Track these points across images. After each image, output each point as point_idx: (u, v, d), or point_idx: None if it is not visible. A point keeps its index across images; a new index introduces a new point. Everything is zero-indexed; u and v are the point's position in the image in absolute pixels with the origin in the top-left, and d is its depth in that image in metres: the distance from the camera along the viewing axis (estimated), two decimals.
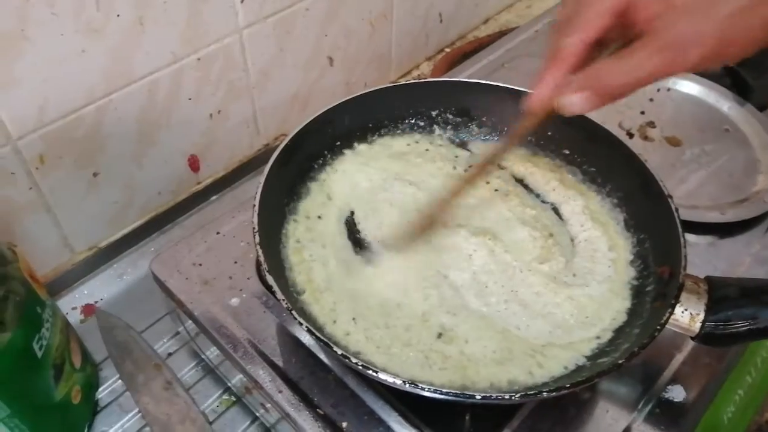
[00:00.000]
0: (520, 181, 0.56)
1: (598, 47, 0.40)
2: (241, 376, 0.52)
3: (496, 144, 0.50)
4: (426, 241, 0.50)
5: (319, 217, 0.51)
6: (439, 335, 0.44)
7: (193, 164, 0.71)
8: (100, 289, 0.66)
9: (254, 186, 0.75)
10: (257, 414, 0.55)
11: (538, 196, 0.55)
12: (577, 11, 0.40)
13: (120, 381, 0.59)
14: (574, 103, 0.39)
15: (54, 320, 0.51)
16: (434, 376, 0.42)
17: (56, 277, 0.64)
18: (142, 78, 0.60)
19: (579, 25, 0.40)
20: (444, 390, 0.37)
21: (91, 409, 0.56)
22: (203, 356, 0.57)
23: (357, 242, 0.51)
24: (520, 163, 0.56)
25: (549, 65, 0.41)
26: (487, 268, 0.48)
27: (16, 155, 0.54)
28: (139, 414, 0.56)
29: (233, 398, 0.58)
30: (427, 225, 0.50)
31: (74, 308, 0.64)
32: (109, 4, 0.53)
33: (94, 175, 0.62)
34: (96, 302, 0.65)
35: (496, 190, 0.54)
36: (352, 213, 0.53)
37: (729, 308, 0.42)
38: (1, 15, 0.47)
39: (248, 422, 0.56)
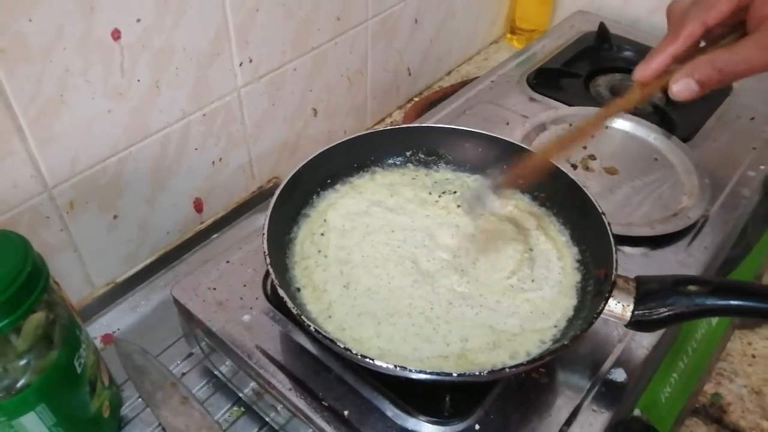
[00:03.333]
0: None
1: (717, 34, 0.44)
2: (253, 384, 0.60)
3: (597, 111, 0.52)
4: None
5: (322, 234, 0.61)
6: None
7: (198, 206, 0.80)
8: (118, 320, 0.74)
9: (251, 224, 0.86)
10: (267, 419, 0.62)
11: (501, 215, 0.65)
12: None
13: (140, 400, 0.66)
14: (680, 88, 0.42)
15: (88, 342, 0.58)
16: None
17: (79, 310, 0.71)
18: (157, 132, 0.69)
19: (701, 11, 0.43)
20: (428, 371, 0.46)
21: (118, 423, 0.64)
22: (216, 371, 0.65)
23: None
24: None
25: (665, 42, 0.44)
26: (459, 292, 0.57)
27: (51, 202, 0.63)
28: (160, 426, 0.64)
29: (243, 409, 0.65)
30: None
31: (95, 338, 0.71)
32: (131, 71, 0.63)
33: (114, 217, 0.70)
34: (114, 332, 0.72)
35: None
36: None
37: (653, 299, 0.51)
38: (47, 83, 0.57)
39: (257, 428, 0.64)
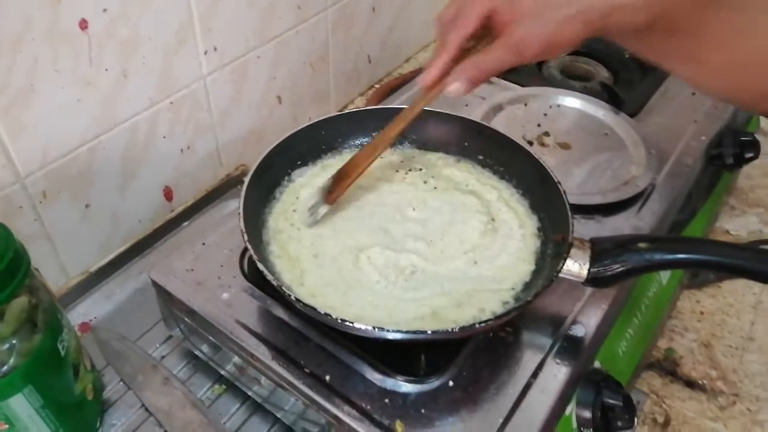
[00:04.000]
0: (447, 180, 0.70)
1: (474, 39, 0.54)
2: (235, 359, 0.62)
3: (398, 116, 0.62)
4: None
5: (294, 210, 0.63)
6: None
7: (168, 194, 0.81)
8: (93, 308, 0.74)
9: (220, 210, 0.87)
10: (249, 393, 0.64)
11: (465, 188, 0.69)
12: (457, 14, 0.53)
13: (122, 384, 0.67)
14: (454, 88, 0.53)
15: (69, 327, 0.60)
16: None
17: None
18: (125, 121, 0.70)
19: (458, 26, 0.53)
20: (404, 330, 0.49)
21: (101, 405, 0.65)
22: (197, 351, 0.67)
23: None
24: (446, 167, 0.70)
25: (438, 54, 0.54)
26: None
27: (24, 191, 0.63)
28: (143, 407, 0.65)
29: (224, 386, 0.67)
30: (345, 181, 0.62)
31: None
32: (99, 60, 0.64)
33: (86, 206, 0.71)
34: (90, 320, 0.73)
35: (434, 188, 0.68)
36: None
37: (607, 257, 0.56)
38: (17, 74, 0.57)
39: (239, 404, 0.66)
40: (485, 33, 0.54)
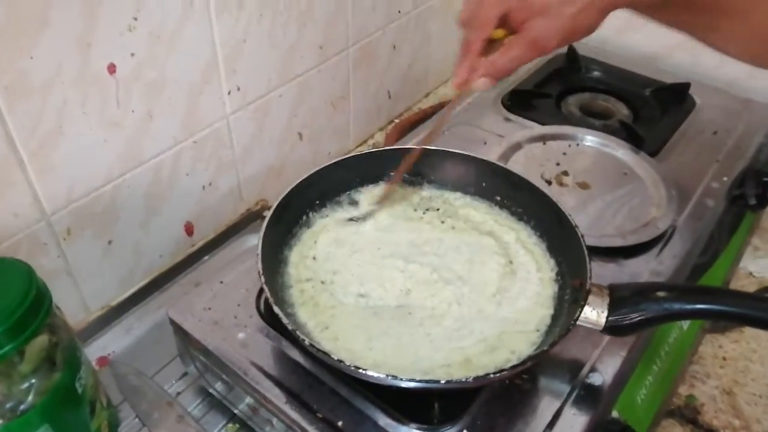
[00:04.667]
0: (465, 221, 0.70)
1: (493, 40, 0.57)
2: (248, 400, 0.62)
3: (438, 116, 0.66)
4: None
5: (314, 258, 0.64)
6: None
7: (189, 230, 0.82)
8: (112, 342, 0.75)
9: (240, 245, 0.88)
10: None
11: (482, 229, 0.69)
12: (474, 16, 0.57)
13: (137, 420, 0.68)
14: (480, 84, 0.57)
15: (87, 364, 0.60)
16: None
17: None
18: (150, 159, 0.72)
19: (477, 27, 0.57)
20: (417, 378, 0.49)
21: None
22: (211, 389, 0.67)
23: None
24: (462, 207, 0.70)
25: (463, 55, 0.58)
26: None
27: (49, 228, 0.65)
28: None
29: (238, 425, 0.67)
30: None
31: (90, 362, 0.73)
32: (126, 102, 0.66)
33: (109, 243, 0.72)
34: (109, 354, 0.74)
35: (452, 227, 0.68)
36: None
37: (625, 305, 0.55)
38: (47, 117, 0.59)
39: None
40: (503, 26, 0.57)
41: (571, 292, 0.59)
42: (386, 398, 0.55)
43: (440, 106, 1.09)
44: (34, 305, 0.51)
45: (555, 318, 0.59)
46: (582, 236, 0.60)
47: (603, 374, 0.60)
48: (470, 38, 0.58)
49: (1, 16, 0.53)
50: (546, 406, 0.57)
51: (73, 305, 0.72)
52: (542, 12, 0.54)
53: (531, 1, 0.54)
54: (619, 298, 0.56)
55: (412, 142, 0.89)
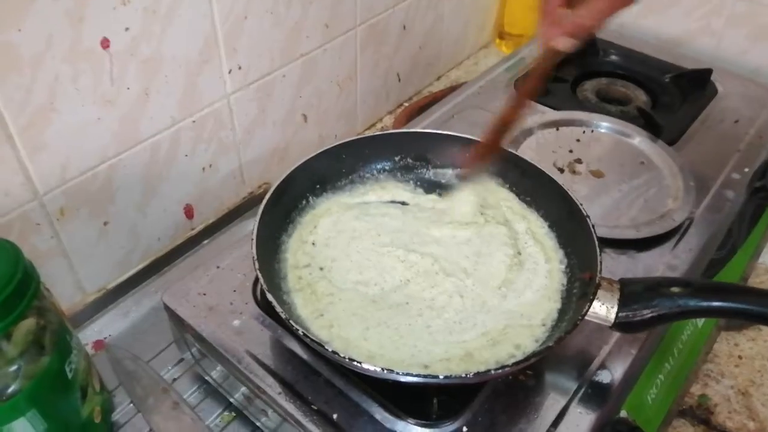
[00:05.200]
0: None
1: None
2: (243, 389, 0.61)
3: (531, 73, 0.61)
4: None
5: (313, 244, 0.62)
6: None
7: (188, 212, 0.80)
8: (108, 326, 0.74)
9: (242, 229, 0.86)
10: (258, 423, 0.63)
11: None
12: None
13: (131, 405, 0.66)
14: (562, 43, 0.55)
15: (79, 348, 0.59)
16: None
17: (70, 316, 0.71)
18: (147, 139, 0.70)
19: None
20: (414, 373, 0.47)
21: (109, 428, 0.64)
22: (207, 377, 0.66)
23: None
24: (489, 193, 0.67)
25: (541, 18, 0.56)
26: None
27: (42, 209, 0.63)
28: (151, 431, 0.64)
29: (233, 413, 0.66)
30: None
31: (86, 344, 0.72)
32: (121, 79, 0.64)
33: (105, 224, 0.70)
34: (105, 338, 0.73)
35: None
36: None
37: (636, 301, 0.52)
38: (37, 92, 0.57)
39: None
40: None
41: (580, 286, 0.56)
42: (383, 391, 0.53)
43: (450, 89, 1.06)
44: (20, 286, 0.50)
45: (562, 312, 0.56)
46: (593, 226, 0.57)
47: (612, 372, 0.57)
48: (548, 4, 0.55)
49: None
50: (551, 404, 0.54)
51: (69, 287, 0.71)
52: None
53: None
54: (631, 293, 0.53)
55: (421, 126, 0.86)
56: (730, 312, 0.52)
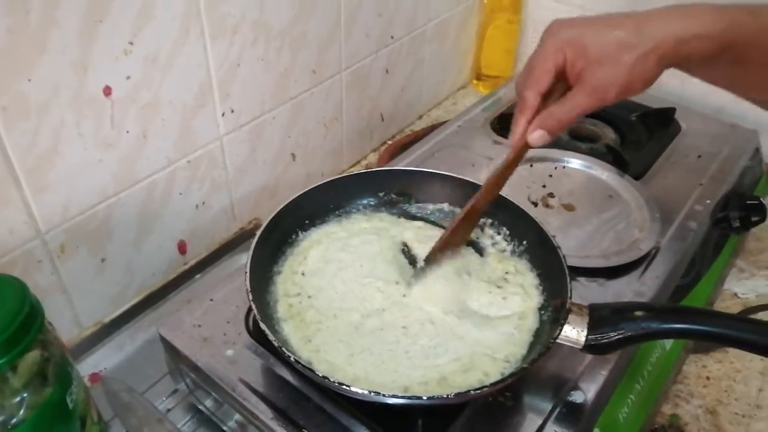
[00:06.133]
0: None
1: (549, 94, 0.56)
2: (237, 416, 0.63)
3: (492, 175, 0.62)
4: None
5: (303, 274, 0.65)
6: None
7: (182, 248, 0.84)
8: (105, 359, 0.76)
9: (233, 264, 0.89)
10: None
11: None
12: (530, 72, 0.56)
13: None
14: (537, 136, 0.56)
15: (79, 379, 0.61)
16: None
17: (67, 350, 0.74)
18: (144, 179, 0.73)
19: (533, 83, 0.55)
20: (399, 395, 0.50)
21: None
22: (201, 406, 0.68)
23: None
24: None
25: (519, 113, 0.56)
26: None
27: (44, 246, 0.66)
28: None
29: None
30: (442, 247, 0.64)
31: (83, 377, 0.74)
32: (121, 123, 0.68)
33: (102, 260, 0.73)
34: (101, 371, 0.75)
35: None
36: None
37: (604, 324, 0.56)
38: (43, 136, 0.61)
39: None
40: (560, 87, 0.56)
41: (552, 312, 0.60)
42: (370, 415, 0.56)
43: (431, 128, 1.11)
44: (27, 321, 0.52)
45: (538, 335, 0.60)
46: (564, 256, 0.62)
47: (585, 392, 0.61)
48: (526, 94, 0.56)
49: (2, 40, 0.55)
50: (528, 424, 0.58)
51: (67, 321, 0.73)
52: (600, 60, 0.52)
53: (588, 50, 0.52)
54: (599, 317, 0.57)
55: (403, 163, 0.91)
56: (689, 333, 0.56)
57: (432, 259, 0.65)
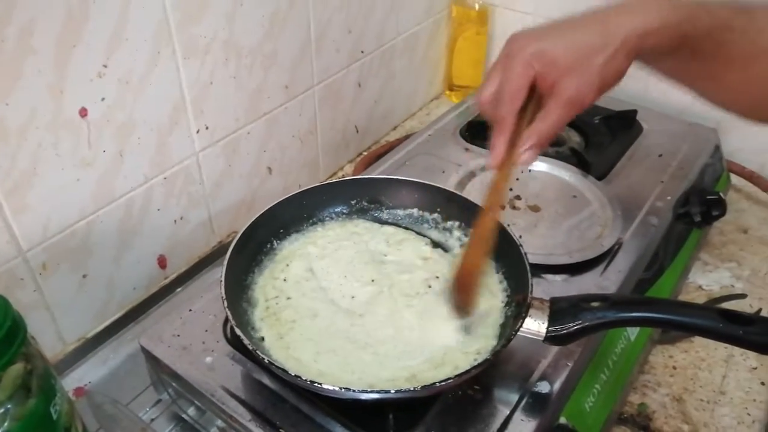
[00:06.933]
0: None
1: (523, 110, 0.56)
2: (218, 422, 0.65)
3: (486, 202, 0.61)
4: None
5: (284, 280, 0.68)
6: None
7: (162, 263, 0.86)
8: (88, 373, 0.78)
9: (212, 276, 0.91)
10: None
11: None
12: (502, 91, 0.55)
13: None
14: (526, 158, 0.56)
15: (62, 391, 0.63)
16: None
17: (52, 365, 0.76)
18: (122, 196, 0.76)
19: (507, 101, 0.55)
20: (369, 390, 0.53)
21: None
22: (184, 414, 0.70)
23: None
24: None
25: (497, 133, 0.56)
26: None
27: (25, 264, 0.68)
28: None
29: None
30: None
31: (67, 391, 0.75)
32: (97, 144, 0.70)
33: (84, 277, 0.76)
34: (85, 385, 0.77)
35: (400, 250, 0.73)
36: None
37: (563, 316, 0.59)
38: (21, 158, 0.64)
39: None
40: (531, 94, 0.57)
41: (515, 307, 0.63)
42: (344, 412, 0.59)
43: (406, 138, 1.15)
44: (9, 334, 0.54)
45: (501, 329, 0.63)
46: (525, 254, 0.65)
47: (550, 383, 0.63)
48: (502, 114, 0.55)
49: None
50: (496, 415, 0.60)
51: (50, 338, 0.75)
52: (570, 69, 0.52)
53: (556, 60, 0.53)
54: (559, 309, 0.60)
55: (377, 172, 0.94)
56: (642, 321, 0.59)
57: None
